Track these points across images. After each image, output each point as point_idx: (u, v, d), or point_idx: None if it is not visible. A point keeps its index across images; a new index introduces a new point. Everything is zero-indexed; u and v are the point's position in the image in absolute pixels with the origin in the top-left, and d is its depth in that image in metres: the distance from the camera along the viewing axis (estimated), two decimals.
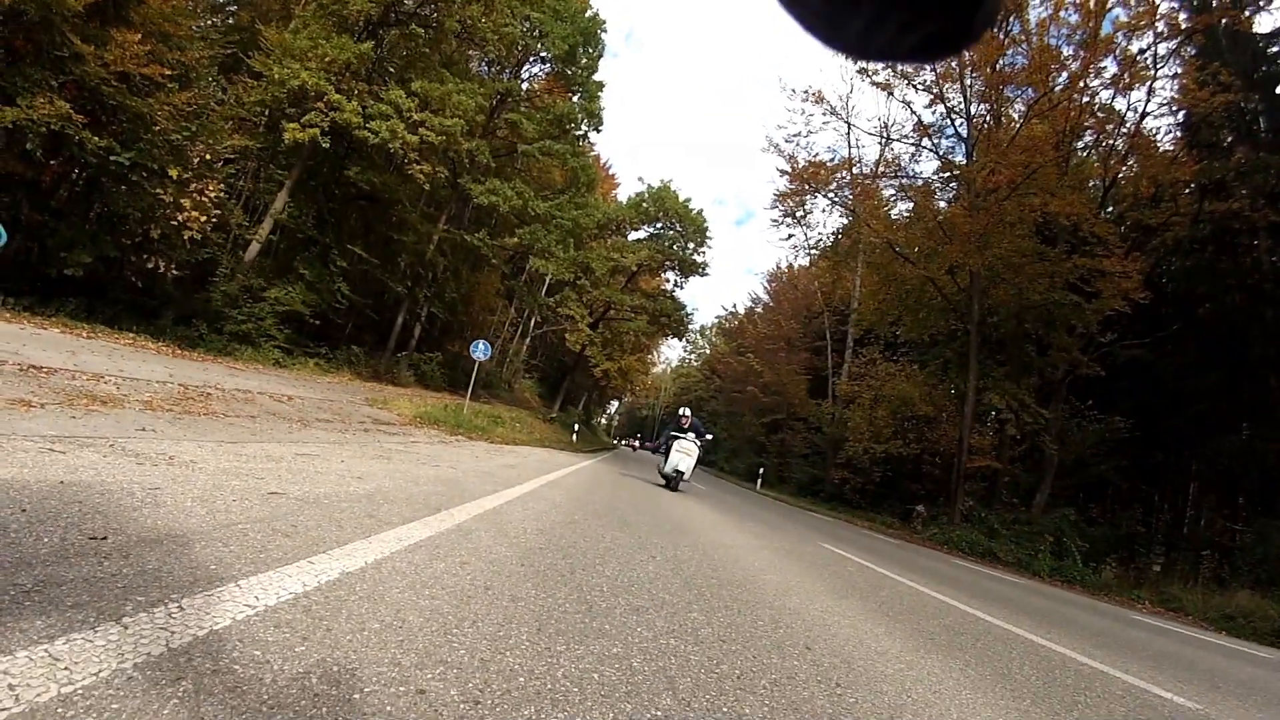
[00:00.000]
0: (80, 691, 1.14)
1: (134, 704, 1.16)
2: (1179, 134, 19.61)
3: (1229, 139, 19.15)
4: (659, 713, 1.77)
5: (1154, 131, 19.65)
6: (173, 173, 10.72)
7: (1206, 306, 19.19)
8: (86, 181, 10.94)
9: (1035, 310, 18.27)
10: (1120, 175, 19.29)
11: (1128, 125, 18.65)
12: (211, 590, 1.76)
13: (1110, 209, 19.77)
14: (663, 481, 11.96)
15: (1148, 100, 17.91)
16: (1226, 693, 4.12)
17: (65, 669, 1.19)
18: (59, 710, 1.08)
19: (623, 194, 41.48)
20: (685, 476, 11.69)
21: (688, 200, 32.32)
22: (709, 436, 12.53)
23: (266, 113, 16.12)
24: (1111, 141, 19.31)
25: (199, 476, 3.09)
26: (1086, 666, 3.95)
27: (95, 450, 3.02)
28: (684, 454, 11.41)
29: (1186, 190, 18.61)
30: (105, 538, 1.93)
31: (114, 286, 11.60)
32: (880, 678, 2.68)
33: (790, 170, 23.24)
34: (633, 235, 34.15)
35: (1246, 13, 17.67)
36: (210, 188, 11.79)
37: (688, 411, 12.42)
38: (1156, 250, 18.85)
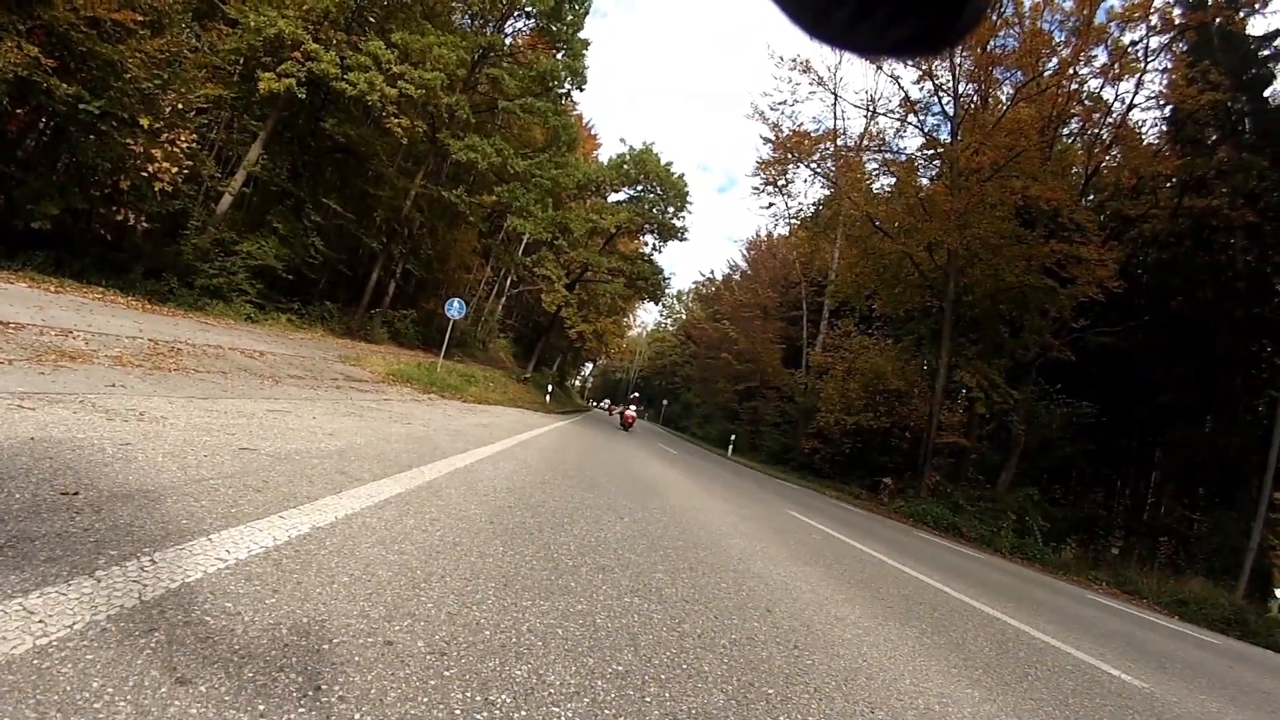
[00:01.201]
0: (55, 643, 1.17)
1: (108, 655, 1.19)
2: (1164, 128, 19.86)
3: (1213, 137, 19.39)
4: (620, 667, 1.84)
5: (1139, 124, 19.90)
6: (143, 122, 10.34)
7: (1179, 300, 19.57)
8: (54, 131, 10.55)
9: (1010, 292, 18.51)
10: (1103, 165, 19.47)
11: (1114, 115, 18.81)
12: (183, 544, 1.78)
13: (1091, 197, 19.99)
14: None
15: (1136, 92, 18.07)
16: (1173, 674, 4.28)
17: (40, 622, 1.22)
18: (35, 662, 1.11)
19: (604, 154, 40.99)
20: None
21: (669, 164, 31.98)
22: None
23: (241, 62, 15.58)
24: (1097, 130, 19.46)
25: (170, 432, 3.07)
26: (1039, 641, 4.10)
27: (65, 407, 2.98)
28: None
29: (1167, 184, 18.89)
30: (77, 493, 1.93)
31: (83, 239, 11.26)
32: (838, 642, 2.79)
33: (774, 138, 23.16)
34: (612, 197, 33.73)
35: (1241, 14, 17.75)
36: (182, 138, 11.38)
37: None
38: (1134, 241, 19.19)
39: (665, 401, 65.30)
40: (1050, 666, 3.43)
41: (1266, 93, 18.95)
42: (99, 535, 1.68)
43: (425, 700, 1.36)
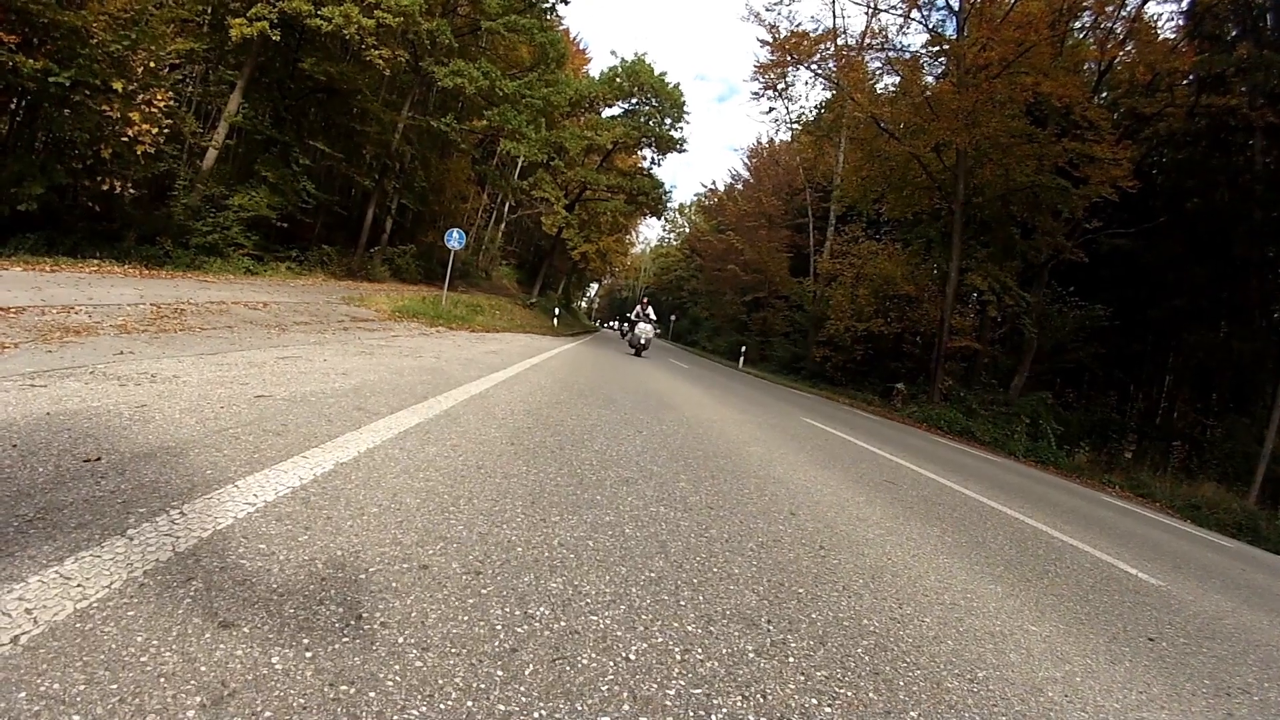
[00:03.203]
0: (95, 605, 1.18)
1: (149, 609, 1.20)
2: (1181, 22, 18.80)
3: (1233, 33, 18.27)
4: (652, 574, 1.88)
5: (1155, 18, 18.93)
6: (117, 86, 10.01)
7: (1194, 201, 18.89)
8: (27, 109, 10.29)
9: (1021, 193, 18.01)
10: (1116, 60, 18.49)
11: (1128, 8, 17.75)
12: (210, 493, 1.79)
13: (1104, 94, 19.14)
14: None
15: None
16: (1187, 574, 4.33)
17: (78, 586, 1.22)
18: (77, 625, 1.12)
19: (595, 69, 39.56)
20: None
21: (663, 74, 30.78)
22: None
23: (209, 10, 14.94)
24: (1110, 24, 18.36)
25: (184, 390, 3.07)
26: (1057, 540, 4.16)
27: (76, 379, 2.96)
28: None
29: (1184, 81, 18.02)
30: (99, 459, 1.93)
31: (71, 214, 11.09)
32: (862, 542, 2.84)
33: (772, 41, 22.16)
34: (606, 112, 32.62)
35: None
36: (158, 97, 11.00)
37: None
38: (1148, 140, 18.49)
39: (673, 317, 64.99)
40: (1069, 564, 3.48)
41: None
42: (126, 495, 1.69)
43: (465, 619, 1.39)
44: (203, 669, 1.07)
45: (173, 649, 1.10)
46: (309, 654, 1.16)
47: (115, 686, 0.99)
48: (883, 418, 14.79)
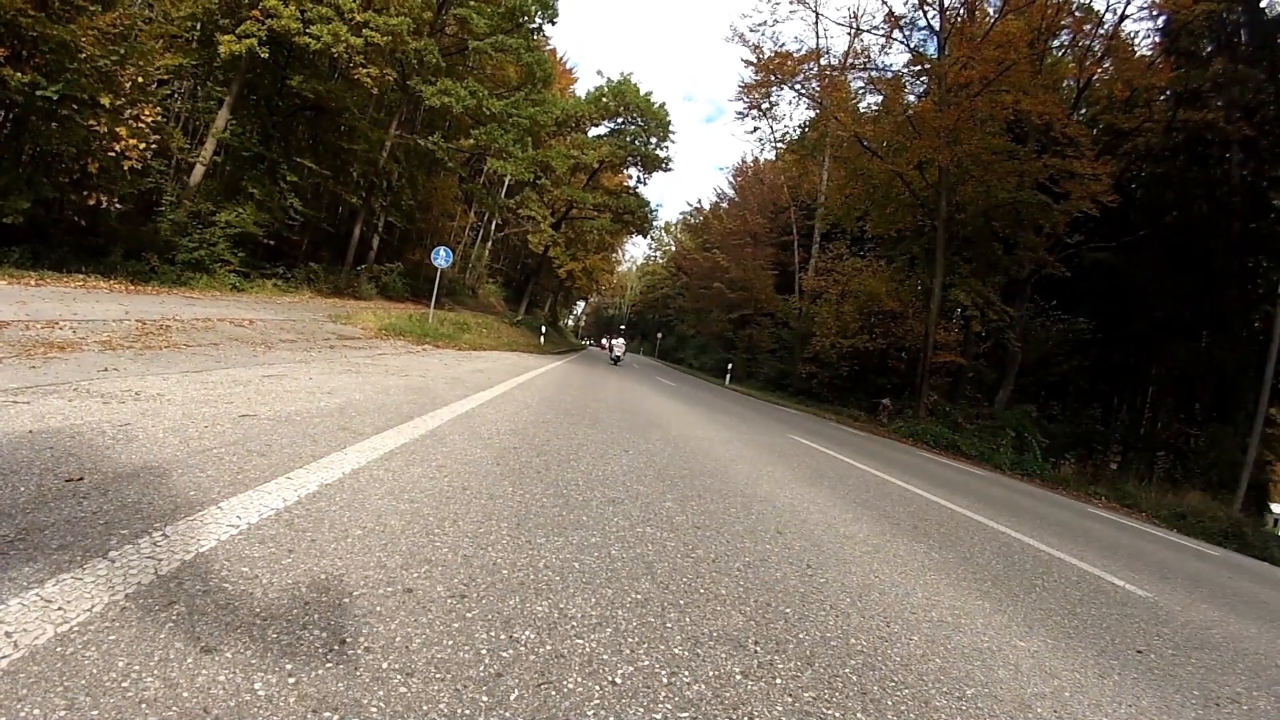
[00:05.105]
0: (76, 629, 1.17)
1: (130, 633, 1.19)
2: (1158, 39, 19.24)
3: (1209, 49, 18.76)
4: (639, 596, 1.88)
5: (1132, 35, 19.32)
6: (104, 101, 10.00)
7: (1174, 215, 19.30)
8: (14, 122, 10.26)
9: (1003, 209, 18.29)
10: (1095, 77, 18.91)
11: (1106, 26, 18.18)
12: (194, 515, 1.78)
13: (1083, 111, 19.52)
14: None
15: (1128, 3, 17.41)
16: (1175, 584, 4.36)
17: (59, 609, 1.21)
18: (58, 649, 1.10)
19: (581, 89, 39.95)
20: None
21: (649, 94, 31.15)
22: None
23: (198, 27, 15.03)
24: (1088, 42, 18.82)
25: (168, 408, 3.04)
26: (1044, 553, 4.19)
27: (60, 396, 2.93)
28: None
29: (1162, 97, 18.44)
30: (82, 478, 1.91)
31: (57, 228, 11.03)
32: (849, 560, 2.84)
33: (756, 61, 22.47)
34: (593, 131, 33.02)
35: None
36: (146, 112, 11.02)
37: None
38: (1127, 155, 18.83)
39: (660, 335, 65.09)
40: (1057, 578, 3.50)
41: (1263, 3, 18.18)
42: (108, 517, 1.67)
43: (450, 643, 1.38)
44: (185, 695, 1.05)
45: (154, 674, 1.09)
46: (292, 679, 1.15)
47: (96, 713, 0.98)
48: (869, 434, 14.83)
